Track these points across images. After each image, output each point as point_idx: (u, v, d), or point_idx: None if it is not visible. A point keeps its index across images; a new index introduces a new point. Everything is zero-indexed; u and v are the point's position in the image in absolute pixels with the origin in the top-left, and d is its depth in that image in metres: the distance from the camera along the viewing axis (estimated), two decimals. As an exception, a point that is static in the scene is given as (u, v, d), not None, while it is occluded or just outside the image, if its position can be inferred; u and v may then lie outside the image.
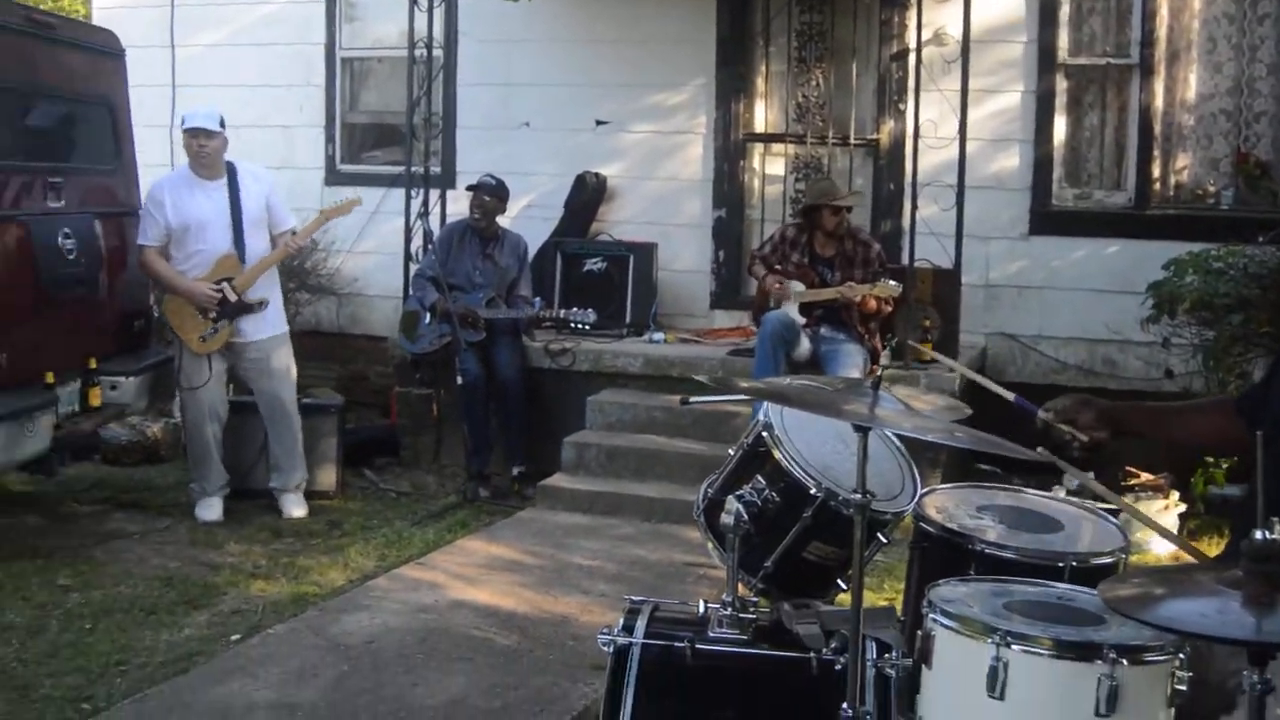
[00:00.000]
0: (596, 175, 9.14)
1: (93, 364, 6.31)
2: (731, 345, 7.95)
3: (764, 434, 3.03)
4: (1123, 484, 6.76)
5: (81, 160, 6.65)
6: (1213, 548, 5.34)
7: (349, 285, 9.51)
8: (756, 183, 9.13)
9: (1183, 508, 6.56)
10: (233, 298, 6.46)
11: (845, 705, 2.45)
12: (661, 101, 9.15)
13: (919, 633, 2.49)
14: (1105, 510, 3.46)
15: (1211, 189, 8.25)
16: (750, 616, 2.92)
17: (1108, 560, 2.94)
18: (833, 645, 2.77)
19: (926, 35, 8.20)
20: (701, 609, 3.01)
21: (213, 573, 5.69)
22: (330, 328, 9.63)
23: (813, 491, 2.92)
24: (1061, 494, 6.80)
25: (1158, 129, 8.30)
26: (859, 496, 2.54)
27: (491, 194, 7.69)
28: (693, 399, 5.34)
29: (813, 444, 3.06)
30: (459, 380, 7.04)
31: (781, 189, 8.98)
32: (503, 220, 7.96)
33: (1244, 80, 8.15)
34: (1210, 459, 6.81)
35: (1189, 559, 3.45)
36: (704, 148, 9.06)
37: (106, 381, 6.42)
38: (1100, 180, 8.49)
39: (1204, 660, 2.35)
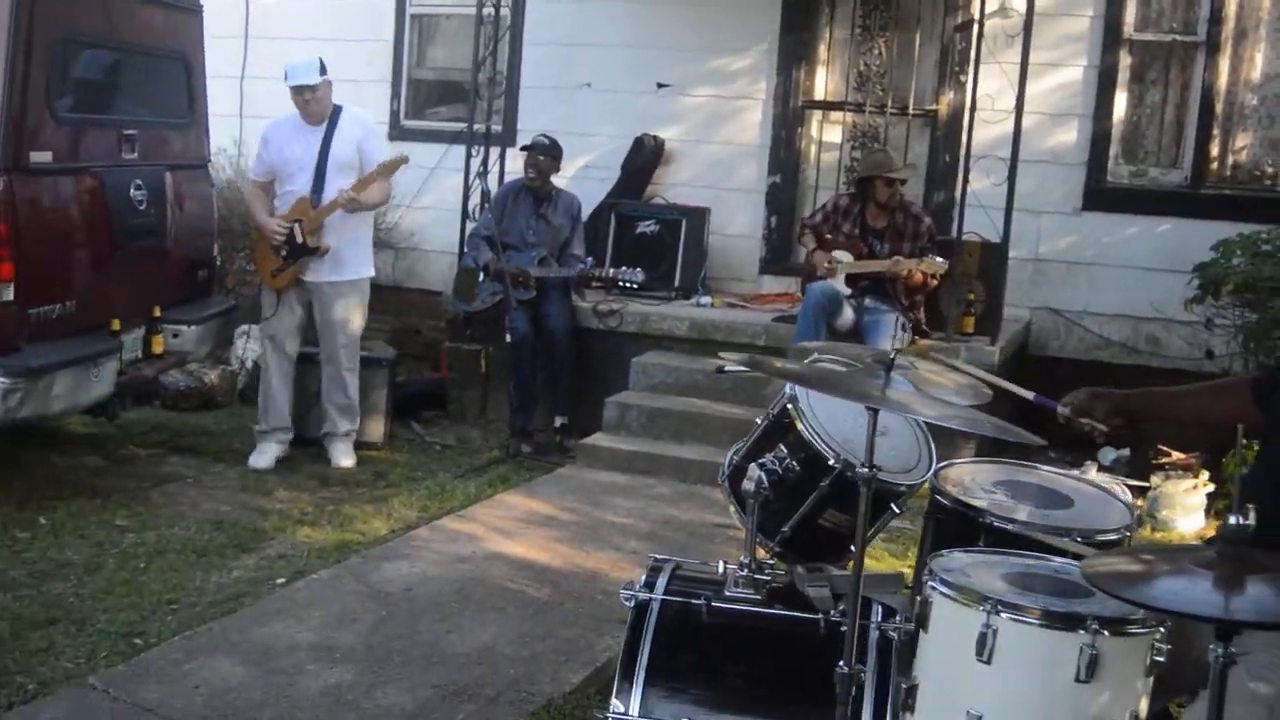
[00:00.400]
0: (655, 138, 9.21)
1: (157, 312, 6.46)
2: (777, 312, 8.03)
3: (789, 406, 3.15)
4: (1153, 462, 6.79)
5: (156, 114, 6.78)
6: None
7: (406, 240, 9.68)
8: (813, 150, 9.16)
9: (1211, 487, 6.57)
10: (299, 239, 6.56)
11: (841, 663, 2.56)
12: (723, 66, 9.19)
13: (918, 598, 2.59)
14: (1120, 490, 3.55)
15: (1270, 170, 8.20)
16: (765, 578, 3.04)
17: (1113, 537, 3.03)
18: (841, 608, 2.88)
19: (992, 7, 8.18)
20: (721, 569, 3.15)
21: (261, 518, 5.86)
22: (386, 281, 9.76)
23: (831, 463, 3.03)
24: (1092, 471, 6.91)
25: (1219, 108, 8.24)
26: (864, 470, 2.63)
27: (545, 154, 7.79)
28: (726, 367, 5.44)
29: (835, 417, 3.16)
30: (508, 338, 7.16)
31: (837, 157, 9.01)
32: (559, 180, 8.05)
33: (1312, 61, 8.07)
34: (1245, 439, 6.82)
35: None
36: (762, 113, 9.10)
37: (169, 330, 6.57)
38: (1157, 158, 8.45)
39: (1186, 637, 2.44)
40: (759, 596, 2.99)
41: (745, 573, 3.01)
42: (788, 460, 3.08)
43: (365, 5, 10.07)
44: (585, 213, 8.24)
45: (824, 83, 9.07)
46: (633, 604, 2.97)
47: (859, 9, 8.92)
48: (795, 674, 2.82)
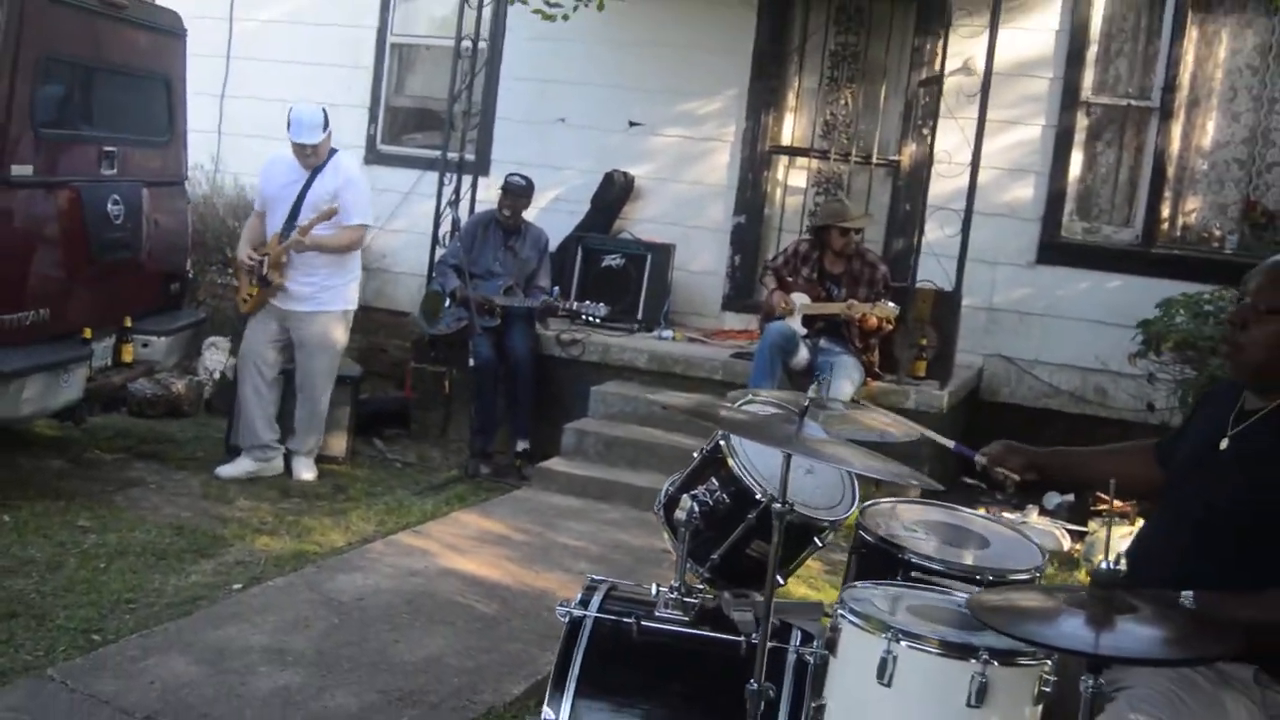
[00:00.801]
0: (625, 174, 9.44)
1: (128, 322, 6.64)
2: (736, 348, 8.24)
3: (721, 443, 3.35)
4: (1092, 509, 7.05)
5: (136, 132, 6.96)
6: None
7: (377, 261, 9.86)
8: (778, 193, 9.42)
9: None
10: (263, 271, 6.80)
11: (751, 681, 2.76)
12: (694, 108, 9.44)
13: (829, 626, 2.80)
14: (1031, 533, 3.77)
15: (1217, 233, 8.49)
16: (694, 601, 3.23)
17: (1023, 577, 3.24)
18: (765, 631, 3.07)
19: (956, 65, 8.51)
20: (654, 591, 3.33)
21: (221, 525, 6.02)
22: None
23: (758, 496, 3.23)
24: (1033, 515, 7.15)
25: (1170, 171, 8.55)
26: (778, 505, 2.85)
27: (522, 194, 8.02)
28: (664, 405, 5.67)
29: (764, 454, 3.35)
30: (471, 362, 7.37)
31: (801, 201, 9.27)
32: (530, 211, 8.27)
33: (1260, 130, 8.38)
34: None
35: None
36: (730, 156, 9.35)
37: (139, 339, 6.74)
38: (1110, 216, 8.74)
39: (1075, 671, 2.65)
40: (687, 618, 3.17)
41: (675, 595, 3.21)
42: (719, 493, 3.28)
43: (346, 32, 10.28)
44: (554, 244, 8.47)
45: (791, 129, 9.34)
46: (567, 619, 3.16)
47: (827, 60, 9.20)
48: (716, 692, 3.01)
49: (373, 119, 10.32)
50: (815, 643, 3.03)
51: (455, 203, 8.54)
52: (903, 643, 2.58)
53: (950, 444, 3.83)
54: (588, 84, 9.57)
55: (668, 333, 8.63)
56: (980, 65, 7.87)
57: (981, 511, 3.97)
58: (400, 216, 9.77)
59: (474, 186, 8.94)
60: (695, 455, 3.50)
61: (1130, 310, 7.84)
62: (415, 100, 10.46)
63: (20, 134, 5.88)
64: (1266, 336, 2.79)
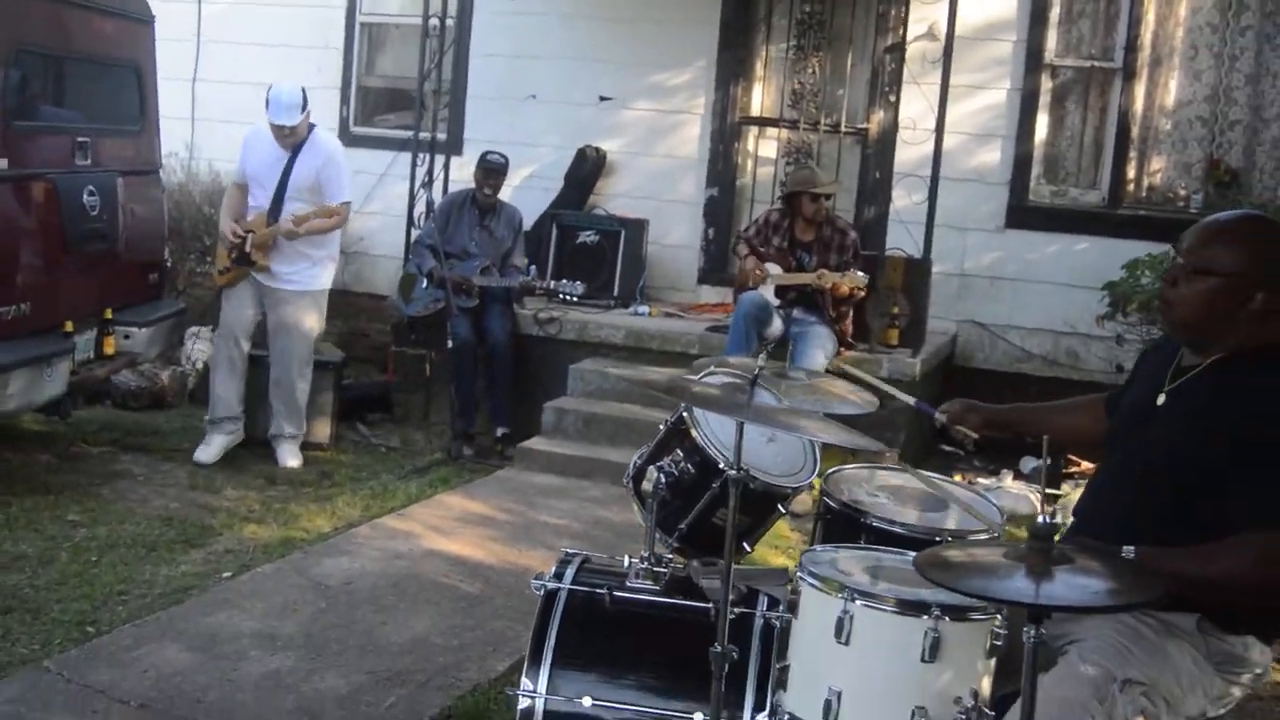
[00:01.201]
0: (597, 150, 9.51)
1: (109, 314, 6.69)
2: (712, 321, 8.35)
3: (684, 415, 3.47)
4: (1064, 471, 7.18)
5: (108, 121, 7.00)
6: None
7: (355, 244, 9.91)
8: (749, 164, 9.51)
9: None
10: (246, 248, 6.88)
11: (715, 645, 2.88)
12: (663, 81, 9.51)
13: (789, 589, 2.91)
14: (1005, 497, 3.90)
15: (1182, 192, 8.61)
16: (664, 570, 3.35)
17: (981, 536, 3.36)
18: (730, 597, 3.19)
19: (921, 30, 8.60)
20: (626, 563, 3.45)
21: (209, 515, 6.11)
22: (335, 285, 9.88)
23: (721, 466, 3.34)
24: (1008, 479, 7.28)
25: (1135, 131, 8.65)
26: (733, 473, 2.96)
27: (502, 172, 8.11)
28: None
29: (727, 424, 3.45)
30: (449, 343, 7.45)
31: (772, 171, 9.36)
32: (504, 190, 8.34)
33: (1222, 89, 8.47)
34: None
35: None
36: (701, 128, 9.43)
37: (121, 331, 6.80)
38: (1077, 178, 8.85)
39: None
40: (657, 587, 3.30)
41: (646, 566, 3.33)
42: (683, 464, 3.39)
43: (316, 12, 10.30)
44: (528, 222, 8.56)
45: (760, 99, 9.41)
46: (542, 592, 3.28)
47: (794, 29, 9.27)
48: (686, 656, 3.12)
49: (344, 100, 10.37)
50: (781, 607, 3.15)
51: (429, 183, 8.61)
52: (858, 602, 2.69)
53: (911, 400, 3.96)
54: (557, 59, 9.62)
55: (644, 308, 8.74)
56: (943, 30, 7.94)
57: (951, 477, 4.09)
58: (375, 199, 9.82)
59: (446, 166, 9.01)
60: (660, 427, 3.61)
61: (1099, 272, 7.95)
62: (387, 80, 10.50)
63: (-7, 127, 5.93)
64: (1194, 294, 2.90)
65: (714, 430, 3.41)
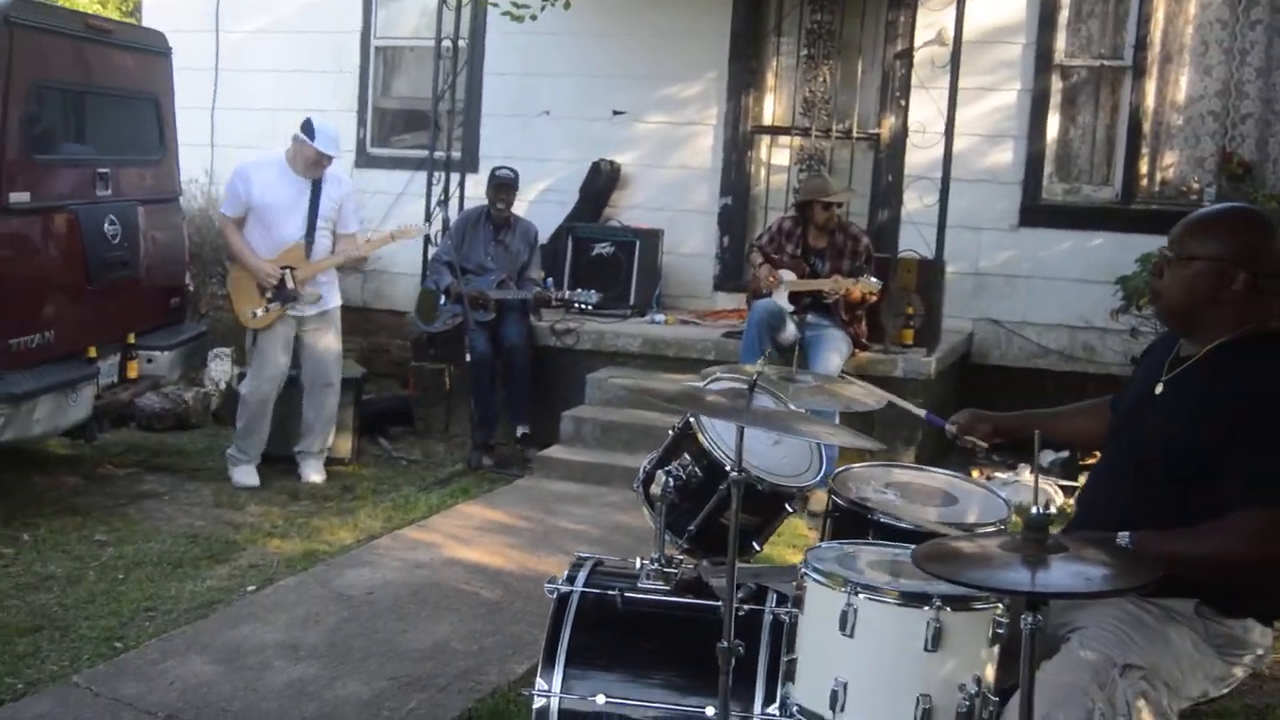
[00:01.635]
0: (611, 163, 9.60)
1: (131, 339, 6.82)
2: (728, 327, 8.41)
3: (691, 419, 3.52)
4: (1081, 463, 7.21)
5: (128, 152, 7.12)
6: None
7: (374, 262, 10.01)
8: (762, 173, 9.58)
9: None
10: (290, 285, 6.88)
11: (721, 640, 2.94)
12: (675, 93, 9.59)
13: (795, 585, 2.96)
14: (1019, 490, 3.93)
15: (1195, 186, 8.62)
16: (674, 571, 3.41)
17: (989, 529, 3.40)
18: (739, 595, 3.25)
19: (930, 35, 8.67)
20: (637, 565, 3.51)
21: (234, 531, 6.20)
22: (355, 302, 10.13)
23: (728, 469, 3.39)
24: (1025, 473, 7.30)
25: (1147, 128, 8.68)
26: (735, 474, 3.02)
27: (514, 186, 8.19)
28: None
29: (733, 428, 3.52)
30: (468, 357, 7.54)
31: (786, 179, 9.42)
32: (520, 204, 8.45)
33: (1233, 83, 8.49)
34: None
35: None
36: (714, 138, 9.51)
37: (144, 355, 6.92)
38: (1089, 175, 8.88)
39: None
40: (668, 587, 3.35)
41: (656, 567, 3.39)
42: (691, 467, 3.45)
43: (331, 38, 10.44)
44: (544, 235, 8.64)
45: (772, 108, 9.48)
46: (555, 595, 3.34)
47: (804, 38, 9.34)
48: (697, 654, 3.17)
49: (361, 122, 10.49)
50: (789, 603, 3.21)
51: (445, 201, 8.70)
52: (861, 595, 2.74)
53: (922, 413, 4.02)
54: (569, 75, 9.72)
55: (660, 317, 8.80)
56: (951, 35, 7.98)
57: (969, 473, 4.12)
58: (393, 218, 9.84)
59: (462, 184, 9.10)
60: (669, 432, 3.67)
61: (1113, 267, 8.00)
62: (402, 102, 10.61)
63: (16, 161, 6.06)
64: (1178, 281, 2.98)
65: (720, 434, 3.47)
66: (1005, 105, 8.83)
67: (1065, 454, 7.77)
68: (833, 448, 5.75)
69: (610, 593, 3.33)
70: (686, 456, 3.49)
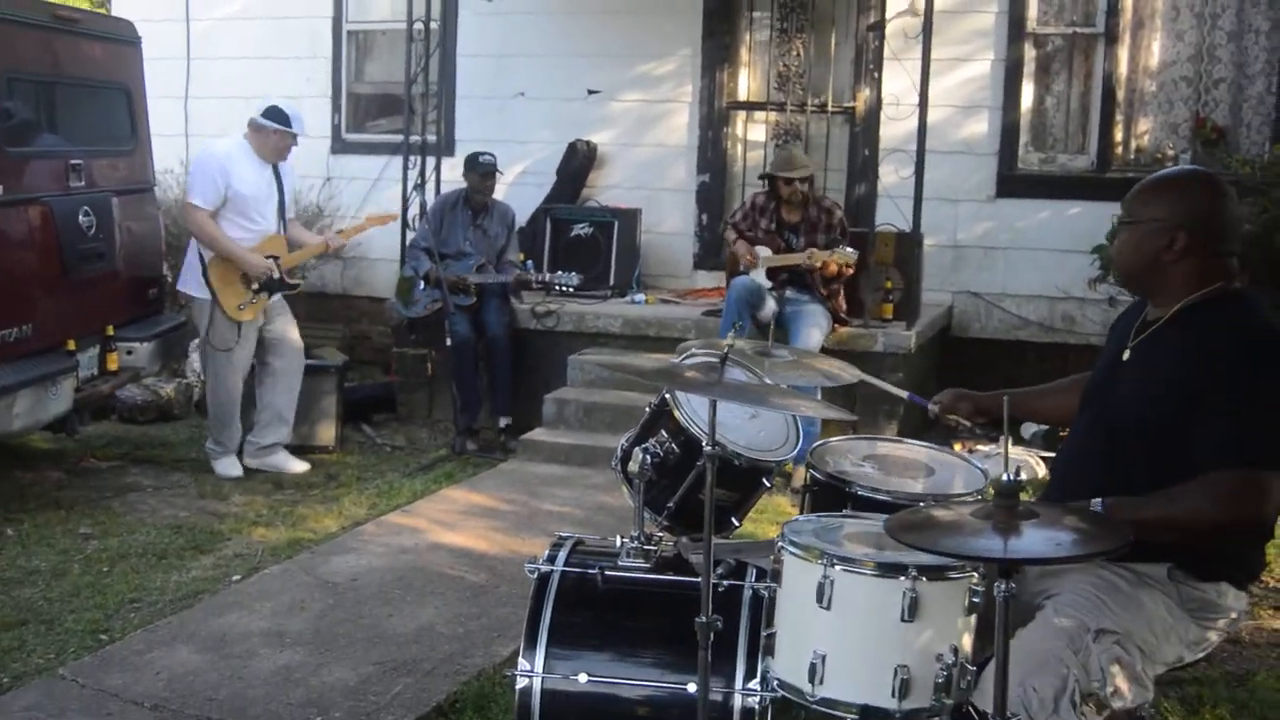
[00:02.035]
0: (587, 143, 9.59)
1: (110, 331, 6.78)
2: (708, 306, 8.42)
3: (666, 396, 3.53)
4: (1061, 434, 7.22)
5: (100, 143, 7.09)
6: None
7: (352, 249, 9.95)
8: (739, 149, 9.58)
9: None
10: (276, 275, 6.89)
11: (699, 616, 2.96)
12: (649, 71, 9.58)
13: (772, 558, 2.98)
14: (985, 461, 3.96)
15: (1170, 152, 8.65)
16: (653, 548, 3.43)
17: (966, 499, 3.42)
18: (718, 571, 3.27)
19: (902, 6, 8.69)
20: (617, 543, 3.53)
21: (218, 521, 6.21)
22: (335, 289, 10.16)
23: (704, 444, 3.41)
24: (1010, 443, 7.32)
25: (1120, 95, 8.71)
26: (709, 448, 3.03)
27: (495, 173, 8.14)
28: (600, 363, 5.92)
29: (708, 404, 3.54)
30: (449, 341, 7.53)
31: (763, 155, 9.41)
32: (498, 187, 8.41)
33: (1204, 47, 8.53)
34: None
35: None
36: (689, 115, 9.51)
37: (123, 347, 6.88)
38: (1065, 144, 8.91)
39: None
40: (648, 565, 3.37)
41: (636, 545, 3.40)
42: (668, 444, 3.46)
43: (302, 23, 10.40)
44: (522, 218, 8.63)
45: (746, 84, 9.48)
46: (535, 575, 3.36)
47: (776, 12, 9.34)
48: (678, 630, 3.18)
49: (336, 108, 10.46)
50: (769, 577, 3.23)
51: (422, 185, 8.68)
52: (837, 567, 2.76)
53: (904, 394, 4.05)
54: (543, 55, 9.71)
55: (640, 296, 8.81)
56: (923, 6, 7.98)
57: (951, 446, 4.14)
58: (371, 203, 9.88)
59: (438, 167, 9.08)
60: (646, 409, 3.68)
61: (1090, 236, 8.02)
62: (376, 86, 10.58)
63: (-13, 155, 6.03)
64: (1125, 243, 3.06)
65: (696, 410, 3.47)
66: (979, 75, 8.84)
67: (1046, 426, 7.79)
68: (813, 423, 5.79)
69: (590, 572, 3.34)
70: (664, 433, 3.50)
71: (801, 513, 3.66)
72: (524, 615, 3.33)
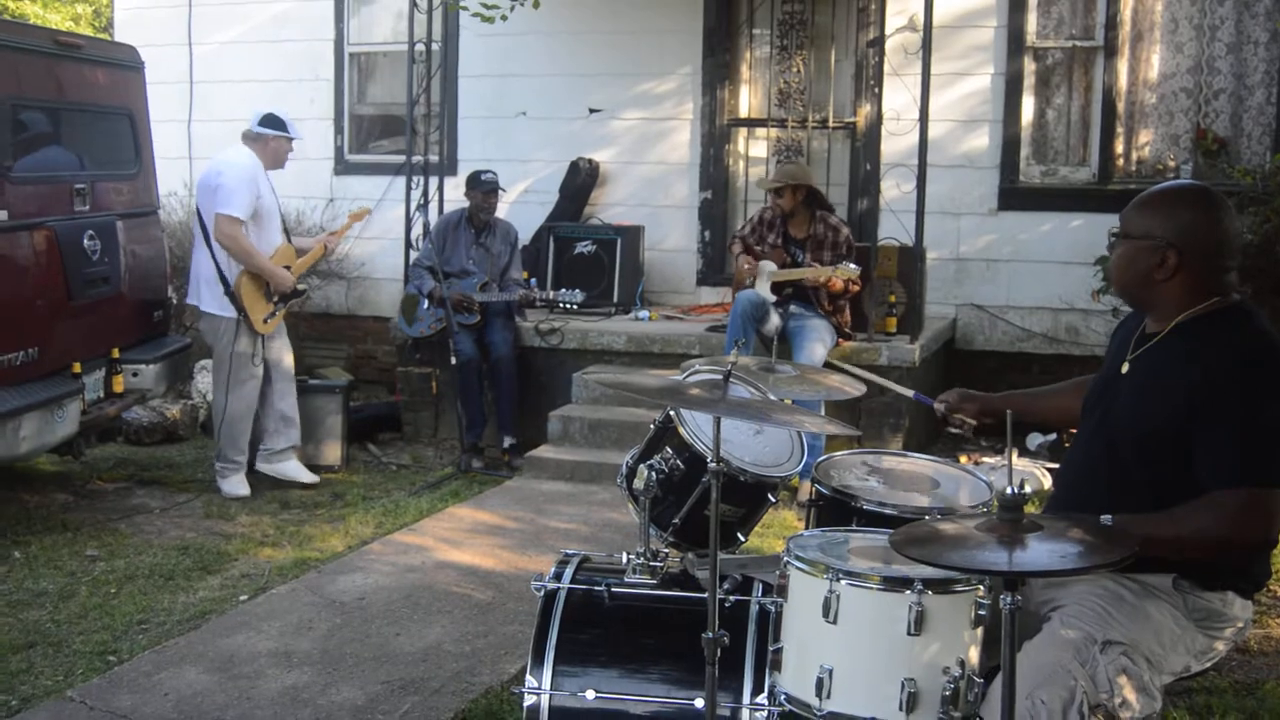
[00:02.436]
0: (589, 161, 9.62)
1: (115, 353, 6.83)
2: (712, 321, 8.44)
3: (671, 413, 3.55)
4: (1065, 445, 7.24)
5: (105, 167, 7.12)
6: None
7: (357, 269, 10.05)
8: (741, 165, 9.61)
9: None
10: (293, 286, 7.02)
11: (706, 631, 2.96)
12: (651, 89, 9.62)
13: (778, 574, 2.99)
14: (988, 473, 3.96)
15: (1171, 164, 8.67)
16: (660, 564, 3.43)
17: (971, 513, 3.43)
18: (725, 587, 3.28)
19: (901, 21, 8.70)
20: (623, 560, 3.54)
21: (225, 542, 6.21)
22: (340, 310, 10.18)
23: (709, 460, 3.42)
24: (1014, 456, 7.33)
25: (1121, 107, 8.73)
26: (713, 464, 3.04)
27: (497, 190, 8.15)
28: (599, 381, 5.91)
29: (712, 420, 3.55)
30: (453, 360, 7.56)
31: (764, 171, 9.43)
32: (500, 206, 8.43)
33: (1204, 59, 8.55)
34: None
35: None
36: (691, 133, 9.54)
37: (129, 369, 6.93)
38: (1066, 157, 8.93)
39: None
40: (654, 581, 3.38)
41: (642, 561, 3.41)
42: (673, 460, 3.47)
43: (305, 46, 10.45)
44: (525, 236, 8.66)
45: (748, 101, 9.51)
46: (542, 593, 3.37)
47: (776, 29, 9.38)
48: (684, 646, 3.19)
49: (338, 130, 10.50)
50: (775, 593, 3.23)
51: (425, 205, 8.71)
52: (844, 581, 2.77)
53: (910, 393, 4.05)
54: (545, 75, 9.75)
55: (644, 313, 8.83)
56: (922, 21, 8.00)
57: (956, 458, 4.14)
58: (374, 224, 9.93)
59: (441, 187, 9.11)
60: (651, 427, 3.69)
61: (1092, 248, 8.03)
62: (378, 108, 10.62)
63: (-8, 180, 6.06)
64: (1119, 258, 3.07)
65: (700, 427, 3.49)
66: (979, 89, 8.87)
67: (1053, 436, 7.81)
68: (818, 438, 5.79)
69: (597, 588, 3.35)
70: (668, 450, 3.51)
71: (807, 527, 3.68)
72: (531, 633, 3.33)
